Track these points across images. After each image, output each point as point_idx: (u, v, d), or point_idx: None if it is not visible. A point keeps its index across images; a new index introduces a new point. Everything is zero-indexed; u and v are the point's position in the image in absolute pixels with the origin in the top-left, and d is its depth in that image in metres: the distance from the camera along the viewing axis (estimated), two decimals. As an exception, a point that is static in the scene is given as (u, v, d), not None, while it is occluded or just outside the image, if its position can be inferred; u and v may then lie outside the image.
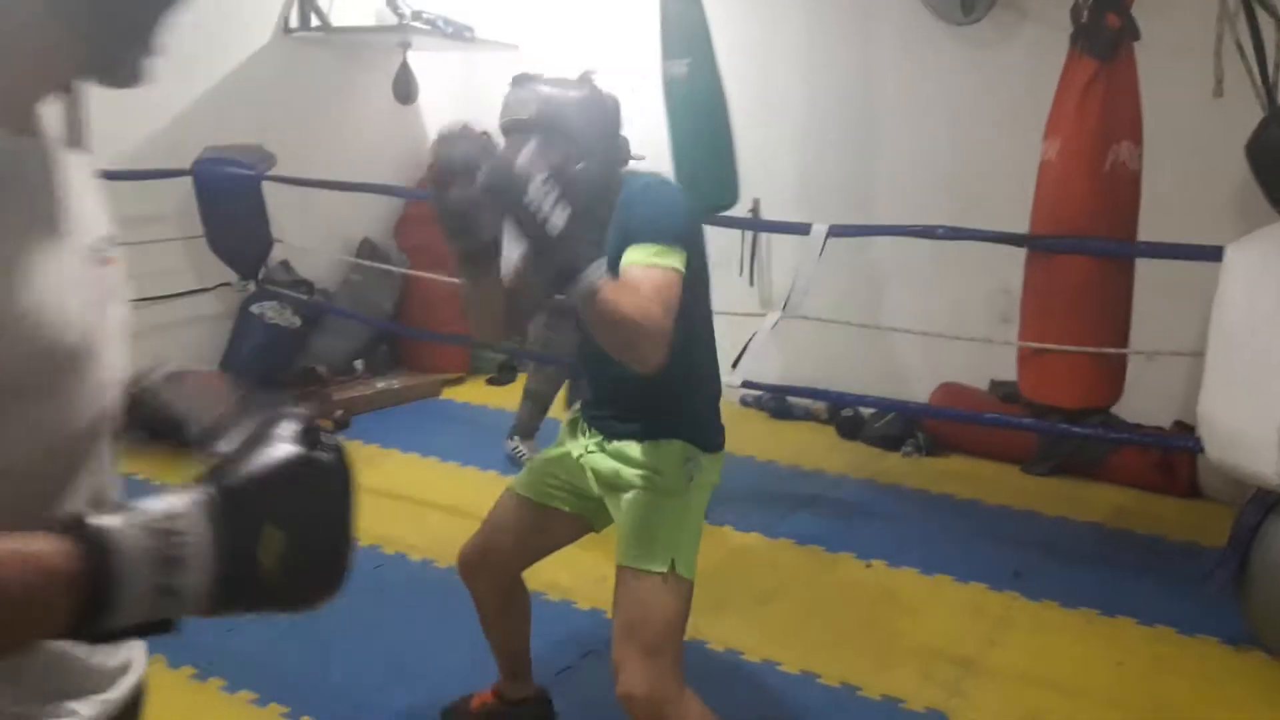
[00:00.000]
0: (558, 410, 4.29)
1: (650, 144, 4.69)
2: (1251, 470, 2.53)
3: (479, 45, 5.28)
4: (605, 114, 1.87)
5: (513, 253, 1.49)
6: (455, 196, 1.54)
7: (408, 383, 5.26)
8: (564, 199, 1.48)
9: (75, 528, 0.67)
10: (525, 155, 1.48)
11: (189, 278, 4.63)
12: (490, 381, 5.39)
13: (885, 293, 4.84)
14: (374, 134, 5.44)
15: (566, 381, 4.21)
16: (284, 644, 2.67)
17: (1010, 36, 4.43)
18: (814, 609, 3.08)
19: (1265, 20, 2.96)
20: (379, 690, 2.54)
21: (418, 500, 3.76)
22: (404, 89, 5.18)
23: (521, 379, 4.80)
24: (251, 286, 4.71)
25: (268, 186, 4.34)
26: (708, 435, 2.08)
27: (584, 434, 2.11)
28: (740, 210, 4.83)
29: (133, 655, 0.93)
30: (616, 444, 2.01)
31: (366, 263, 5.19)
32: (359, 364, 5.28)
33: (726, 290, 5.04)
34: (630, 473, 1.98)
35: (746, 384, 3.67)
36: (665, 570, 1.91)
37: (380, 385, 5.18)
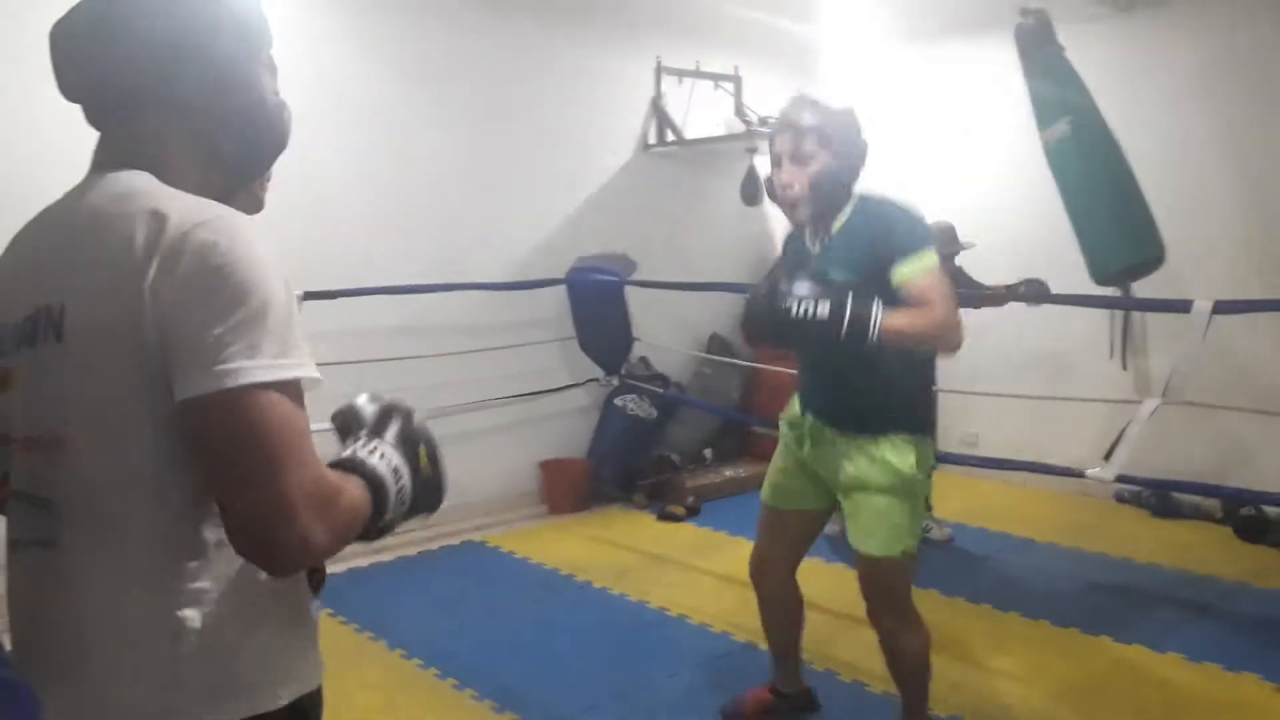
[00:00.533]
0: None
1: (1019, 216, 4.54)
2: None
3: (823, 142, 5.42)
4: (857, 127, 2.24)
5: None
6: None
7: (754, 470, 5.38)
8: (818, 294, 2.04)
9: (358, 466, 1.06)
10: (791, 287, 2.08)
11: (563, 374, 5.09)
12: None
13: (1290, 375, 4.25)
14: (722, 235, 5.74)
15: None
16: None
17: None
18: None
19: None
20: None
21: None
22: (750, 191, 5.42)
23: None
24: (615, 381, 5.09)
25: (629, 289, 4.71)
26: (924, 422, 2.36)
27: (811, 437, 2.37)
28: (1109, 288, 4.52)
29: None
30: (855, 442, 2.27)
31: (716, 357, 5.44)
32: (708, 452, 5.50)
33: (1095, 375, 4.75)
34: (872, 473, 2.24)
35: (1122, 478, 3.35)
36: (900, 556, 2.27)
37: (728, 473, 5.35)
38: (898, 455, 2.22)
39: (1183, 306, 3.23)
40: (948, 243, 4.16)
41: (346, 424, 1.15)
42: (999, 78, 3.90)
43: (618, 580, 3.94)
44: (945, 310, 2.06)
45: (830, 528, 4.73)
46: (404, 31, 4.46)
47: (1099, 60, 4.63)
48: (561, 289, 4.86)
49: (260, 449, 0.90)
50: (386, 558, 4.29)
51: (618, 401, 5.20)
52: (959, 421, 5.49)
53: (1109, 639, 3.29)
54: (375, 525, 1.06)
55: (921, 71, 5.52)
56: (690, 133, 5.38)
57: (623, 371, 5.08)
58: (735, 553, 4.24)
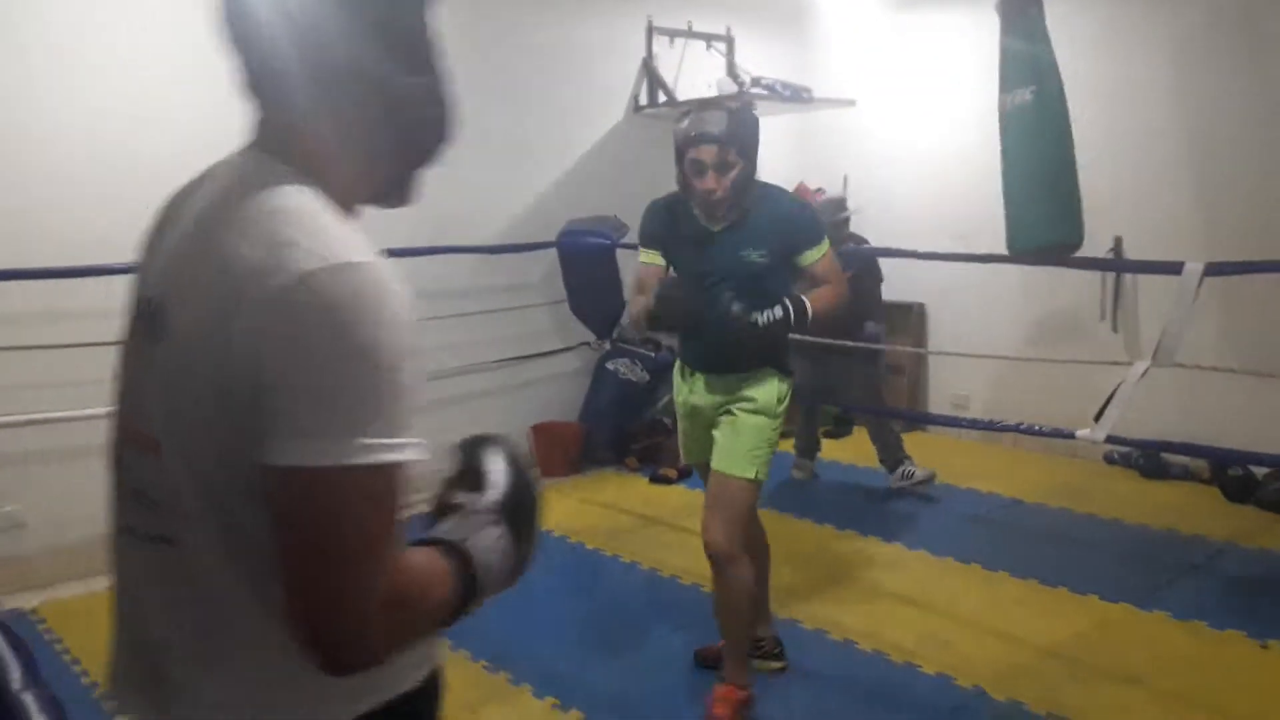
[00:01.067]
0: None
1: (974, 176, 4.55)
2: None
3: (817, 105, 5.39)
4: (758, 126, 2.51)
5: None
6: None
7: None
8: (738, 297, 2.43)
9: (466, 561, 0.94)
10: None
11: (555, 338, 5.08)
12: (826, 434, 5.38)
13: (1276, 335, 4.25)
14: (716, 197, 5.71)
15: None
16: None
17: None
18: (1195, 694, 2.73)
19: None
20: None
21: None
22: (744, 152, 5.39)
23: (860, 432, 4.83)
24: (606, 345, 5.09)
25: (620, 252, 4.69)
26: (788, 364, 2.63)
27: (688, 380, 2.66)
28: (1101, 250, 4.52)
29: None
30: (725, 379, 2.57)
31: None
32: (703, 416, 5.49)
33: (1086, 337, 4.77)
34: (742, 400, 2.54)
35: (1112, 439, 3.38)
36: (752, 479, 2.51)
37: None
38: (765, 387, 2.55)
39: (1174, 268, 3.24)
40: (839, 209, 4.60)
41: (465, 474, 1.03)
42: (988, 43, 3.86)
43: (610, 542, 3.96)
44: (842, 283, 2.59)
45: (795, 473, 4.78)
46: None
47: (1093, 19, 4.61)
48: (552, 252, 4.84)
49: (336, 540, 0.80)
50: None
51: (609, 365, 5.20)
52: (949, 383, 5.52)
53: (1096, 598, 3.32)
54: (450, 619, 0.93)
55: (912, 33, 5.47)
56: (682, 94, 5.32)
57: (614, 335, 5.07)
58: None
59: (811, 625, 3.16)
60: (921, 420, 5.57)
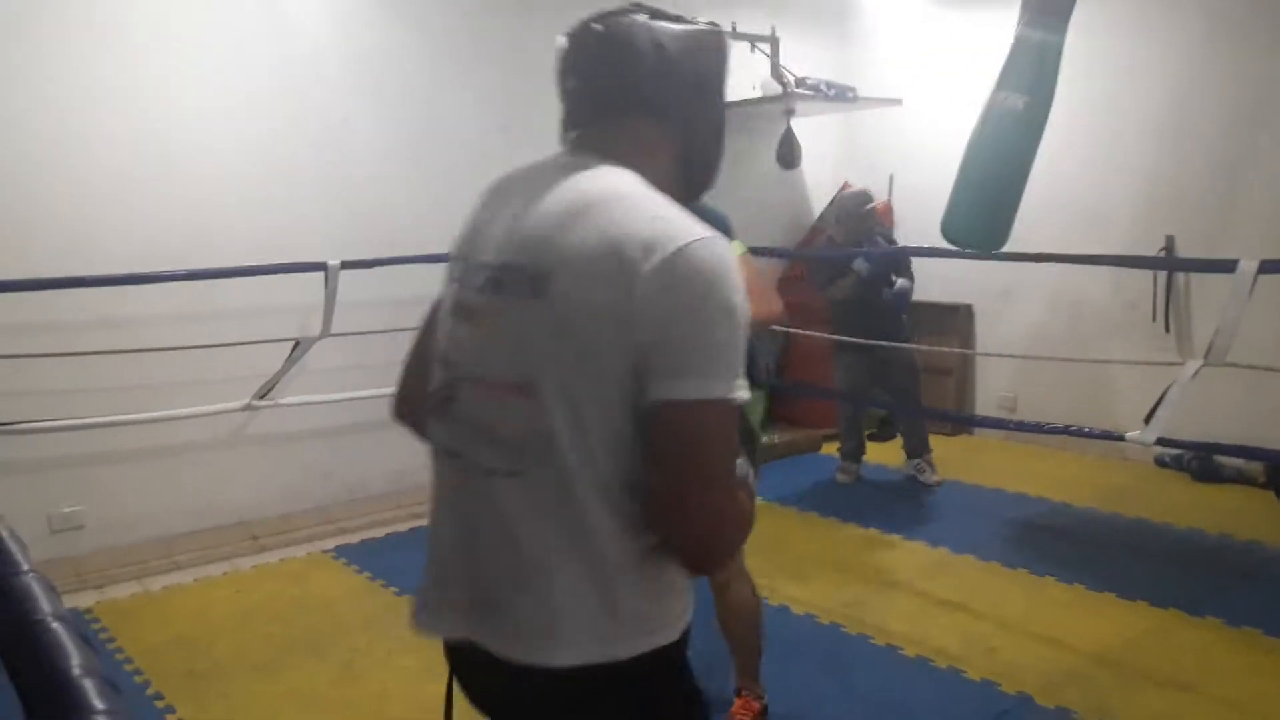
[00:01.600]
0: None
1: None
2: None
3: (862, 104, 5.35)
4: None
5: None
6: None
7: (788, 437, 5.37)
8: None
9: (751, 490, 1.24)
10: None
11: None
12: (870, 437, 5.34)
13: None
14: (759, 199, 5.68)
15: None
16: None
17: None
18: (1248, 703, 2.67)
19: None
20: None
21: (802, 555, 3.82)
22: (787, 154, 5.36)
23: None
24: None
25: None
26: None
27: None
28: (1152, 249, 4.44)
29: None
30: None
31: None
32: (746, 418, 5.48)
33: (1138, 338, 4.68)
34: None
35: (1163, 441, 3.32)
36: None
37: (763, 440, 5.34)
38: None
39: (1228, 266, 3.18)
40: (863, 202, 4.56)
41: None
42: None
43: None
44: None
45: (840, 476, 4.75)
46: (434, 4, 4.45)
47: (1148, 10, 4.52)
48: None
49: (714, 457, 1.02)
50: (423, 523, 4.35)
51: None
52: (997, 385, 5.44)
53: (1146, 604, 3.26)
54: None
55: (959, 34, 5.41)
56: (727, 95, 5.31)
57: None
58: (762, 517, 4.26)
59: (855, 630, 3.14)
60: (969, 422, 5.50)
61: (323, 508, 4.35)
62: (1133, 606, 3.26)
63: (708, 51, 1.18)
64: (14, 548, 0.97)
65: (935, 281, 4.90)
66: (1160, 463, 4.72)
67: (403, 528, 4.28)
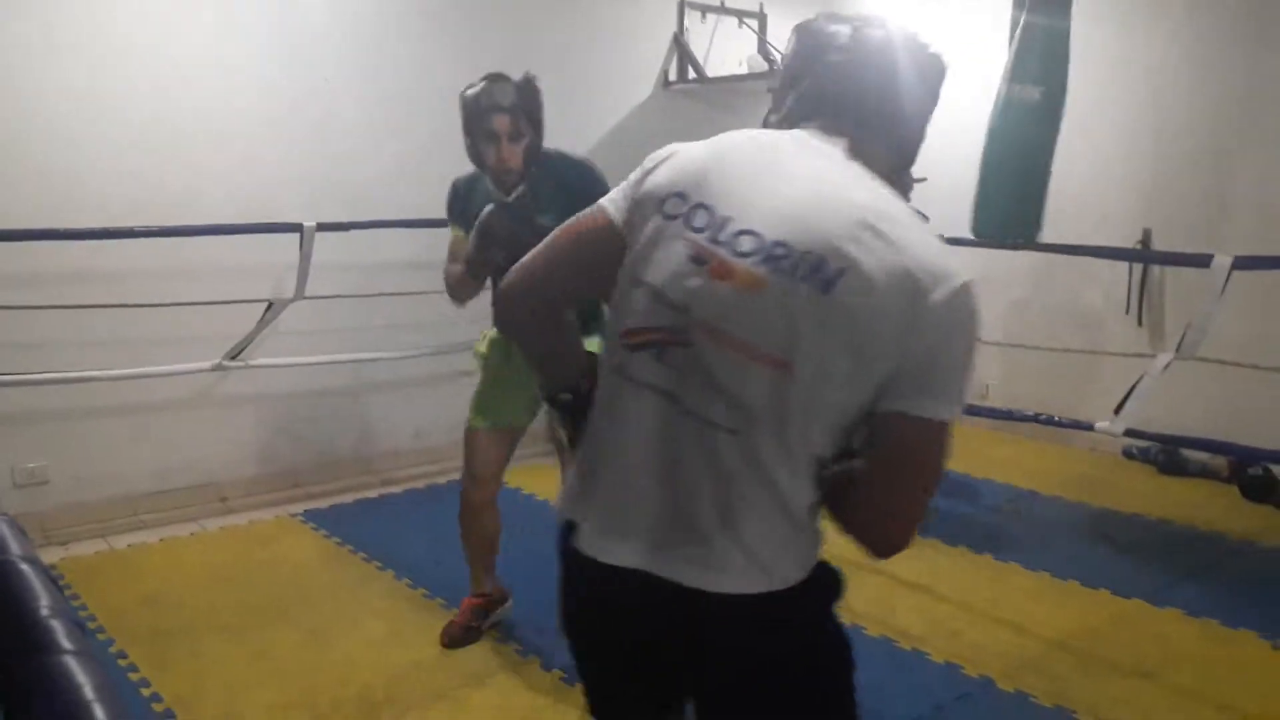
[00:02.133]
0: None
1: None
2: None
3: (846, 85, 5.34)
4: (541, 101, 2.66)
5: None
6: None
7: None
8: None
9: None
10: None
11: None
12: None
13: (1307, 335, 4.20)
14: (741, 176, 5.68)
15: None
16: None
17: None
18: (1204, 690, 2.73)
19: None
20: None
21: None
22: (771, 132, 5.35)
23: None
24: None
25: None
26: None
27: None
28: (1129, 241, 4.47)
29: None
30: None
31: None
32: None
33: (1110, 330, 4.72)
34: None
35: (1131, 432, 3.35)
36: None
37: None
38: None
39: (1202, 261, 3.20)
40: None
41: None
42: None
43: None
44: None
45: None
46: (422, -41, 4.39)
47: (1124, 5, 4.54)
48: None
49: (933, 473, 1.17)
50: (396, 490, 4.34)
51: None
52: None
53: (1108, 592, 3.31)
54: None
55: (944, 15, 5.40)
56: (712, 70, 5.29)
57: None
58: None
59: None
60: (940, 407, 5.54)
61: (292, 471, 4.32)
62: (1095, 595, 3.31)
63: (939, 80, 1.32)
64: None
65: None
66: (1127, 454, 4.79)
67: (372, 494, 4.27)
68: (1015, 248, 3.82)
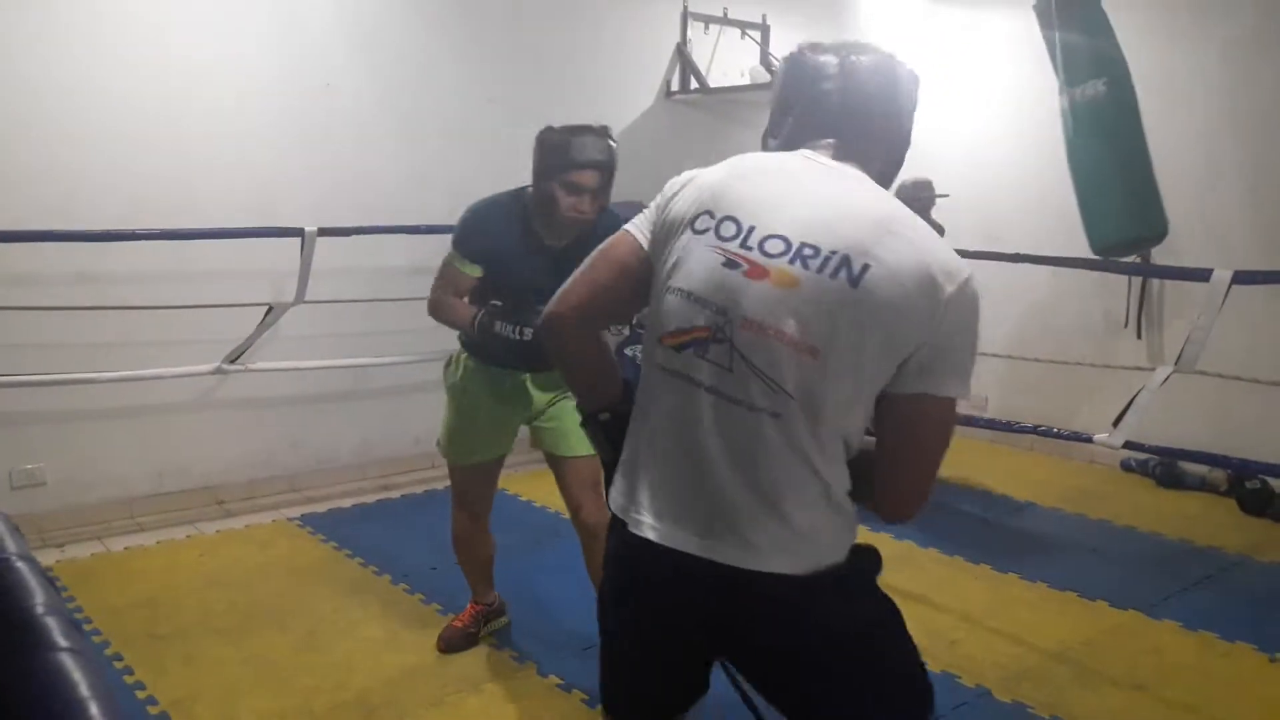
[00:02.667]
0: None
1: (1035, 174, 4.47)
2: None
3: (847, 96, 5.34)
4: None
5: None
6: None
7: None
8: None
9: None
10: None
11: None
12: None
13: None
14: (742, 186, 5.68)
15: None
16: None
17: None
18: (1200, 704, 2.72)
19: None
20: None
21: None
22: (772, 142, 5.36)
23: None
24: (625, 331, 5.08)
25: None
26: None
27: (496, 378, 2.67)
28: (1127, 255, 4.47)
29: None
30: (551, 375, 2.64)
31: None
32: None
33: (1110, 343, 4.73)
34: (564, 390, 2.63)
35: (1130, 445, 3.35)
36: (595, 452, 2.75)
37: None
38: None
39: (1202, 275, 3.21)
40: (924, 189, 4.43)
41: None
42: (1024, 38, 3.83)
43: (621, 526, 3.97)
44: None
45: None
46: (426, -34, 4.40)
47: (1134, 18, 4.55)
48: (577, 235, 4.83)
49: (946, 443, 1.31)
50: (394, 495, 4.34)
51: (628, 351, 5.19)
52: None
53: (1106, 604, 3.31)
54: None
55: (947, 28, 5.42)
56: (714, 81, 5.31)
57: (634, 321, 5.07)
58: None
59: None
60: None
61: (290, 475, 4.32)
62: (1093, 606, 3.31)
63: (916, 91, 1.46)
64: None
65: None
66: (1126, 467, 4.79)
67: (370, 499, 4.27)
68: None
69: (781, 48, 5.45)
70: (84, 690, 0.74)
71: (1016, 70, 4.92)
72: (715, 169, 1.43)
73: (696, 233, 1.34)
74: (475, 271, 2.61)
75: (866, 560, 1.41)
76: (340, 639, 2.98)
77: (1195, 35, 4.47)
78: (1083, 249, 4.35)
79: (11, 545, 0.84)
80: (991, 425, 4.56)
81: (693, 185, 1.41)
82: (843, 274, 1.25)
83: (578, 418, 2.55)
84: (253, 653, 2.89)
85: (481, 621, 2.97)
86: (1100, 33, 3.37)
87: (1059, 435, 3.66)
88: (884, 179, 1.43)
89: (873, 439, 1.35)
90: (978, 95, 5.28)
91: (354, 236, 3.98)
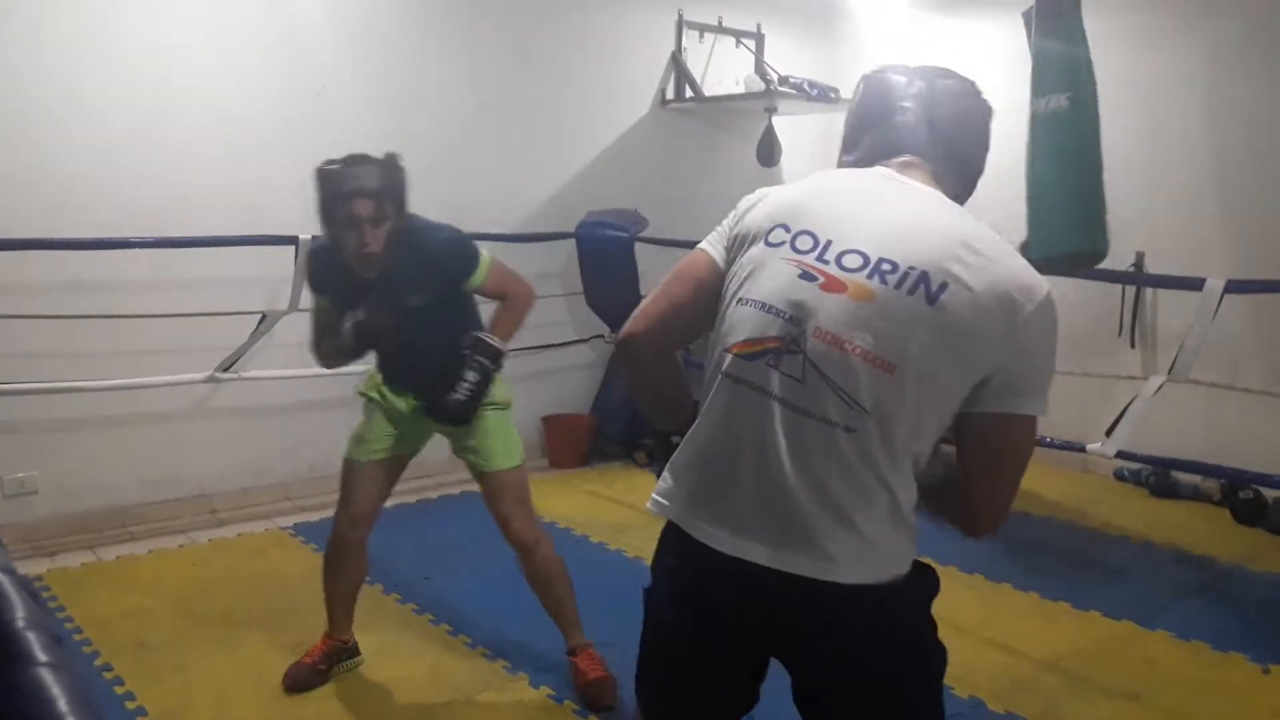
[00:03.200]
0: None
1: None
2: None
3: (844, 105, 5.35)
4: (405, 180, 2.49)
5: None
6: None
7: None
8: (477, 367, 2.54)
9: None
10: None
11: (569, 329, 5.09)
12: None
13: (1298, 358, 4.22)
14: (736, 194, 5.57)
15: None
16: None
17: None
18: (1193, 714, 2.72)
19: None
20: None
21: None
22: (767, 151, 5.37)
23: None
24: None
25: (639, 245, 4.68)
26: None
27: (400, 396, 2.67)
28: (1122, 264, 4.48)
29: None
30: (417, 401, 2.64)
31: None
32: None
33: (1103, 352, 4.73)
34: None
35: (1122, 454, 3.36)
36: (521, 464, 2.71)
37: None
38: (495, 386, 2.61)
39: (1195, 284, 3.22)
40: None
41: None
42: (1015, 46, 3.82)
43: (615, 536, 3.97)
44: (521, 286, 2.66)
45: None
46: (421, -25, 4.41)
47: (1122, 28, 4.57)
48: (572, 243, 4.84)
49: (1027, 460, 1.34)
50: (387, 505, 4.31)
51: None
52: (964, 392, 5.49)
53: (1099, 614, 3.30)
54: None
55: (941, 36, 5.44)
56: (709, 90, 5.32)
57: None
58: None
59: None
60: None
61: (283, 484, 4.31)
62: (1086, 616, 3.30)
63: (989, 122, 1.47)
64: None
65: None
66: (1119, 476, 4.79)
67: (364, 508, 4.25)
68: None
69: (775, 56, 5.47)
70: (63, 705, 0.73)
71: (1005, 78, 4.92)
72: (791, 186, 1.44)
73: (770, 245, 1.34)
74: (326, 303, 2.60)
75: (925, 579, 1.43)
76: (332, 649, 2.97)
77: (1179, 44, 4.49)
78: (1076, 258, 4.36)
79: None
80: (985, 434, 4.56)
81: (767, 200, 1.42)
82: (920, 291, 1.25)
83: (497, 433, 2.58)
84: (244, 662, 2.88)
85: (334, 659, 2.79)
86: (1073, 45, 3.38)
87: (1051, 444, 3.65)
88: (958, 201, 1.43)
89: (952, 450, 1.36)
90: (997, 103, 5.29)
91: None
